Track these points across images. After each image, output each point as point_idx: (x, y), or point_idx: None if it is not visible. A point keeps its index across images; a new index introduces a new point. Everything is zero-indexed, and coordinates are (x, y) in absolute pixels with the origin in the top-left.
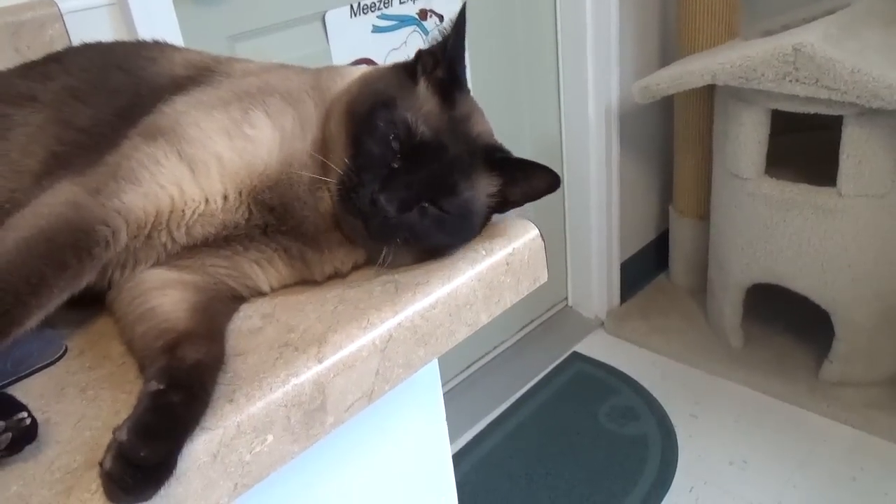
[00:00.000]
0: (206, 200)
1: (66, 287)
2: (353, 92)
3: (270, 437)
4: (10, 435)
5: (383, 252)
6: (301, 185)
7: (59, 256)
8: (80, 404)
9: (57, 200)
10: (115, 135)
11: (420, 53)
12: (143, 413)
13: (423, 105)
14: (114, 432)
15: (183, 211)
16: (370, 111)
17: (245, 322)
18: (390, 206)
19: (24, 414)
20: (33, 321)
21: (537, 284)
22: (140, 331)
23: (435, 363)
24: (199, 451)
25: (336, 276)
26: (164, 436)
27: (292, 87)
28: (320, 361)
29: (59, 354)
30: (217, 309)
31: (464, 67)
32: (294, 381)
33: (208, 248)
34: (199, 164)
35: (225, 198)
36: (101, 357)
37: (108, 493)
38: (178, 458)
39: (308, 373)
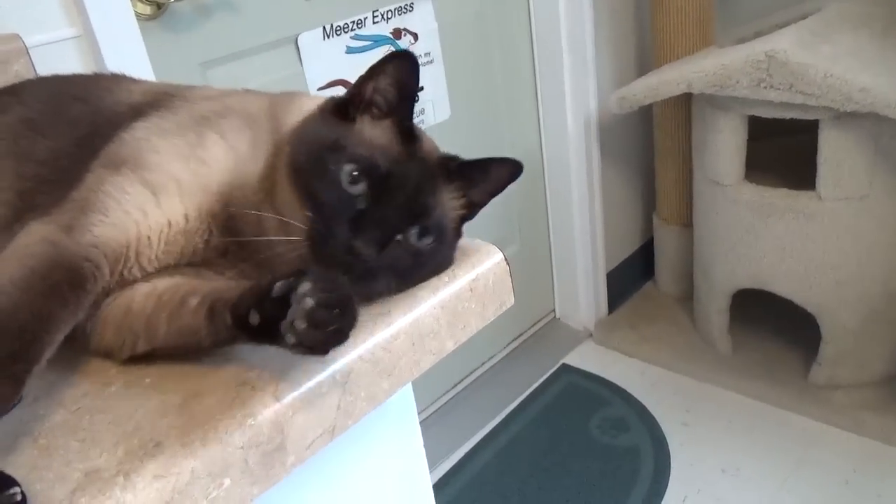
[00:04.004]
0: (169, 223)
1: (70, 322)
2: (289, 149)
3: (228, 481)
4: None
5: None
6: (251, 206)
7: (59, 294)
8: (33, 454)
9: (32, 241)
10: (77, 167)
11: (354, 90)
12: (313, 275)
13: (374, 139)
14: (295, 294)
15: (149, 237)
16: (317, 159)
17: (203, 360)
18: (369, 249)
19: (17, 489)
20: (46, 358)
21: (504, 308)
22: (195, 301)
23: (408, 389)
24: (151, 498)
25: None
26: (341, 285)
27: (251, 109)
28: (278, 399)
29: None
30: None
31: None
32: (251, 421)
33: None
34: (159, 188)
35: (186, 218)
36: (55, 404)
37: (316, 328)
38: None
39: (266, 412)
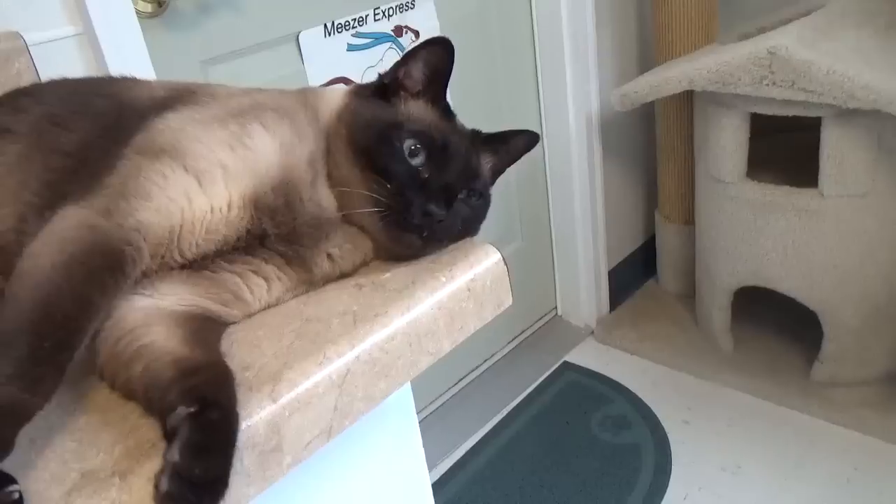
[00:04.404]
0: (212, 209)
1: (106, 308)
2: (346, 131)
3: None
4: None
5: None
6: (303, 184)
7: (98, 279)
8: (30, 454)
9: (69, 225)
10: (106, 155)
11: (392, 74)
12: (189, 434)
13: (422, 116)
14: (164, 455)
15: (192, 222)
16: (381, 137)
17: None
18: (441, 210)
19: (15, 487)
20: (84, 345)
21: (501, 309)
22: (139, 369)
23: (407, 388)
24: (146, 499)
25: (334, 270)
26: (214, 452)
27: (283, 103)
28: (275, 400)
29: None
30: (206, 334)
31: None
32: (247, 422)
33: (189, 270)
34: (205, 175)
35: (229, 206)
36: (53, 405)
37: None
38: (231, 472)
39: (262, 413)
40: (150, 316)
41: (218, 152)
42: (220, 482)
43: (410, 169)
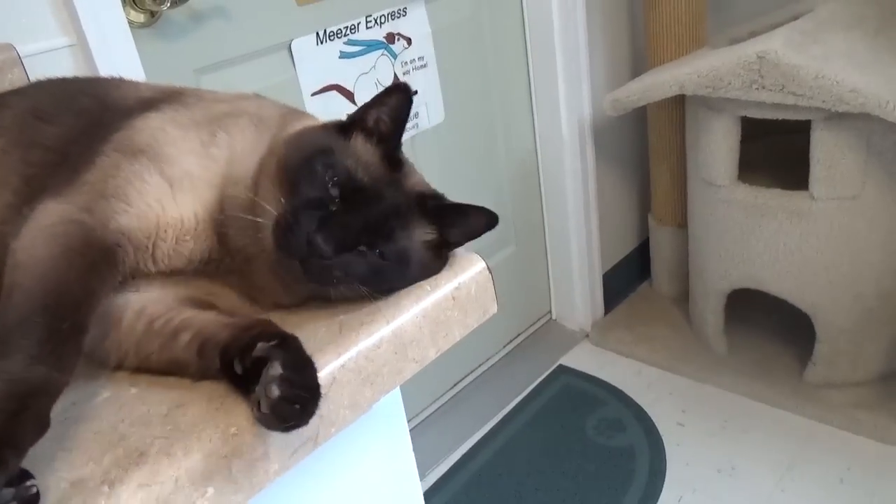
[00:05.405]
0: (182, 220)
1: (105, 298)
2: (290, 141)
3: (211, 490)
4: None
5: (331, 292)
6: (241, 208)
7: (98, 270)
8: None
9: (54, 221)
10: (87, 151)
11: (357, 114)
12: (284, 355)
13: (361, 156)
14: (265, 373)
15: (166, 230)
16: (309, 156)
17: None
18: (327, 245)
19: (33, 482)
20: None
21: (487, 316)
22: (187, 337)
23: (397, 395)
24: None
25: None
26: (307, 369)
27: (263, 114)
28: (262, 409)
29: None
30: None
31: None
32: (234, 430)
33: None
34: (175, 182)
35: (195, 217)
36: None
37: (277, 417)
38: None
39: (248, 421)
40: (173, 301)
41: (187, 158)
42: (317, 390)
43: (320, 197)
